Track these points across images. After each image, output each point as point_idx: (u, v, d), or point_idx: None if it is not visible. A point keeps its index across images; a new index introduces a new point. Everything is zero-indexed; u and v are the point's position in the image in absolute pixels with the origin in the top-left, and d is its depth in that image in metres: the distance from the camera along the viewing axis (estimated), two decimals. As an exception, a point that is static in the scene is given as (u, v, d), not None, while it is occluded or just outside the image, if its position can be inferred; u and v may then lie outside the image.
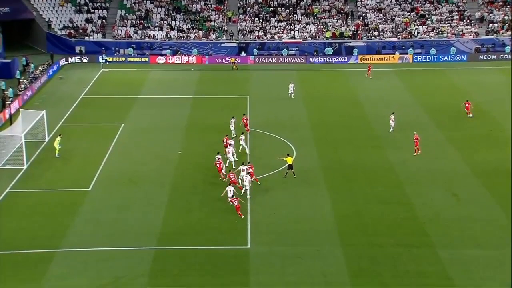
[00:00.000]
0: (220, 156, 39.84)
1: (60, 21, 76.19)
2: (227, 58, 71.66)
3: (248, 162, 39.45)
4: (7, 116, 50.15)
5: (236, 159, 40.86)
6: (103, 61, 69.57)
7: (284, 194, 37.79)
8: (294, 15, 78.53)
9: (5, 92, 56.55)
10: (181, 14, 78.02)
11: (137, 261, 30.56)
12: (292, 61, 71.78)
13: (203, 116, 52.74)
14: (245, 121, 47.69)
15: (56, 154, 43.07)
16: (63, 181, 39.42)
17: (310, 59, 71.90)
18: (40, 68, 64.09)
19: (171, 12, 78.17)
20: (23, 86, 58.11)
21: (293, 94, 56.67)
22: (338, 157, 43.42)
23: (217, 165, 39.05)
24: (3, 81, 59.11)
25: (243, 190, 37.00)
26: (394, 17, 77.80)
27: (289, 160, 39.18)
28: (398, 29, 75.83)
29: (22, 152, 41.53)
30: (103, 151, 44.11)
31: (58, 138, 43.65)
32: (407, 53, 72.38)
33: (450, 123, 49.69)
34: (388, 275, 29.47)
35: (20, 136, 41.97)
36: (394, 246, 31.84)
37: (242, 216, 34.37)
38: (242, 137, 44.15)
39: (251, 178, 37.31)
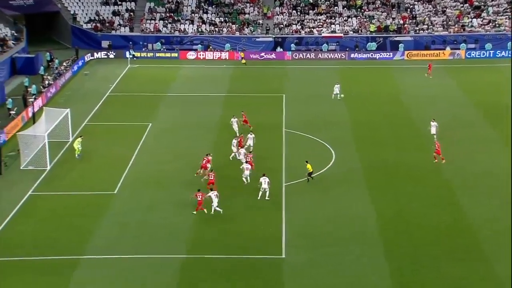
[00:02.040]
0: (210, 158, 40.06)
1: (86, 14, 77.44)
2: (262, 54, 71.88)
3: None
4: (30, 114, 51.21)
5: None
6: (131, 56, 70.48)
7: (322, 198, 37.81)
8: (335, 7, 78.29)
9: (28, 89, 57.70)
10: (213, 6, 78.53)
11: (165, 269, 30.86)
12: (332, 57, 71.58)
13: (236, 115, 52.97)
14: (244, 117, 47.61)
15: (76, 155, 43.79)
16: (88, 183, 40.08)
17: (352, 55, 71.58)
18: (64, 63, 65.25)
19: (202, 4, 78.75)
20: (46, 82, 59.20)
21: (338, 96, 56.00)
22: (380, 158, 43.23)
23: (203, 162, 39.34)
24: (27, 77, 60.33)
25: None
26: (445, 8, 76.73)
27: (309, 167, 39.17)
28: (449, 22, 74.79)
29: (45, 152, 42.29)
30: (130, 152, 44.68)
31: (79, 139, 44.36)
32: (459, 49, 71.39)
33: (507, 124, 48.87)
34: (435, 290, 29.22)
35: (43, 136, 42.73)
36: (442, 257, 31.52)
37: (205, 211, 35.11)
38: (250, 135, 44.17)
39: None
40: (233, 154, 42.81)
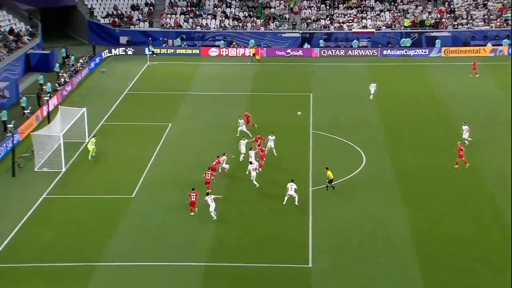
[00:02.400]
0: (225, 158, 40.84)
1: (104, 8, 78.13)
2: (288, 51, 71.87)
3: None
4: (45, 113, 51.79)
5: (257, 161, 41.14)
6: (150, 53, 70.92)
7: (351, 203, 37.70)
8: (367, 1, 77.96)
9: (43, 87, 58.38)
10: (237, 0, 78.70)
11: (185, 278, 30.96)
12: (363, 54, 71.30)
13: (260, 116, 52.96)
14: (247, 117, 47.36)
15: (89, 157, 44.09)
16: (105, 186, 40.38)
17: (384, 52, 71.23)
18: (81, 60, 65.85)
19: (225, -2, 79.03)
20: (62, 80, 59.75)
21: (372, 96, 55.61)
22: (414, 162, 42.96)
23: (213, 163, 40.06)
24: (41, 74, 60.99)
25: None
26: (486, 1, 75.85)
27: (330, 174, 38.84)
28: (491, 16, 73.96)
29: (61, 153, 42.70)
30: (149, 154, 44.94)
31: (93, 140, 44.76)
32: (501, 45, 70.56)
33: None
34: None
35: (59, 136, 43.15)
36: (488, 274, 30.85)
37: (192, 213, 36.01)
38: (244, 141, 43.84)
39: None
40: (242, 155, 42.80)
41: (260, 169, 40.94)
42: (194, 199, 36.36)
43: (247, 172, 40.38)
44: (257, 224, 35.70)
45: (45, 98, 53.28)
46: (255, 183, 39.51)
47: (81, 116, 47.01)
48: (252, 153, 41.66)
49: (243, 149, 43.11)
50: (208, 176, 38.74)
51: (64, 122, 45.34)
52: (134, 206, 37.94)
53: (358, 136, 47.67)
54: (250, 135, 46.13)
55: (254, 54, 69.87)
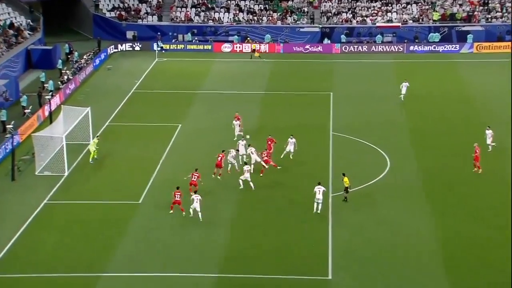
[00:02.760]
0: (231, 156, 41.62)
1: (109, 1, 78.47)
2: (306, 47, 71.86)
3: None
4: (47, 113, 52.08)
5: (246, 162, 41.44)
6: (159, 49, 71.16)
7: (374, 211, 37.58)
8: (391, -7, 77.81)
9: (45, 85, 58.70)
10: (251, -8, 78.83)
11: (195, 290, 31.08)
12: (388, 50, 71.15)
13: (276, 116, 53.02)
14: (237, 115, 47.42)
15: (90, 160, 44.36)
16: (110, 191, 40.52)
17: (411, 48, 71.03)
18: (85, 56, 66.16)
19: (239, -10, 79.13)
20: (65, 78, 60.08)
21: (403, 96, 55.12)
22: (443, 168, 42.76)
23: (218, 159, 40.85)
24: (43, 72, 61.29)
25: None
26: (522, -7, 75.44)
27: (346, 182, 38.54)
28: (528, 9, 73.48)
29: (63, 156, 42.90)
30: (157, 156, 45.07)
31: (95, 140, 44.97)
32: (539, 40, 70.11)
33: None
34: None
35: (61, 138, 43.36)
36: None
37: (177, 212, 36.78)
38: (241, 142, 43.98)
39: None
40: (242, 157, 43.00)
41: (266, 166, 41.58)
42: (178, 198, 37.02)
43: (240, 177, 40.22)
44: (272, 232, 35.67)
45: (46, 97, 53.56)
46: (240, 183, 39.81)
47: (85, 116, 47.22)
48: (252, 152, 41.52)
49: (242, 150, 43.32)
50: (194, 177, 39.09)
51: (67, 123, 45.54)
52: (141, 212, 38.03)
53: (382, 139, 47.53)
54: (246, 136, 46.06)
55: (253, 50, 69.85)
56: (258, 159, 42.00)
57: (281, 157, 43.94)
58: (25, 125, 49.20)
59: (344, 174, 38.94)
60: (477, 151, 42.13)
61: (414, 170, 42.71)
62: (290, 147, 44.22)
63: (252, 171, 40.90)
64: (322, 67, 66.79)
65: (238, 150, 42.98)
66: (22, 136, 47.36)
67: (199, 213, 36.66)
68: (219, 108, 55.03)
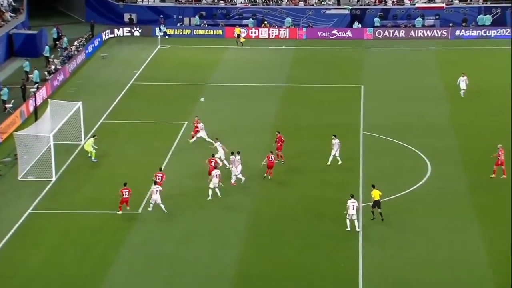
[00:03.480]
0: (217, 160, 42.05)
1: (104, -21, 78.72)
2: (333, 32, 71.70)
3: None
4: (31, 109, 52.23)
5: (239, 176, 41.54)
6: (161, 34, 71.27)
7: (412, 228, 37.36)
8: (433, -31, 77.52)
9: (29, 76, 58.94)
10: (269, -32, 78.74)
11: (203, 315, 31.17)
12: (430, 35, 70.95)
13: (297, 113, 52.99)
14: (196, 125, 47.20)
15: (93, 158, 44.59)
16: (105, 199, 40.46)
17: (457, 33, 70.73)
18: (76, 43, 66.35)
19: (255, -35, 79.09)
20: (53, 67, 60.30)
21: (462, 92, 54.66)
22: (495, 177, 42.45)
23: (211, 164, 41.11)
24: (27, 60, 61.50)
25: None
26: None
27: (376, 195, 37.89)
28: None
29: (50, 158, 42.90)
30: (159, 159, 44.97)
31: (92, 140, 44.97)
32: None
33: None
34: None
35: (48, 137, 43.42)
36: None
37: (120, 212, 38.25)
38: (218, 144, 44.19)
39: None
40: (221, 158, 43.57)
41: (283, 160, 42.61)
42: (126, 196, 38.17)
43: (209, 185, 40.29)
44: (294, 248, 35.53)
45: (31, 89, 53.74)
46: (210, 193, 39.82)
47: (76, 112, 47.26)
48: (237, 158, 41.75)
49: (221, 151, 43.57)
50: (158, 178, 39.59)
51: (55, 120, 45.61)
52: (140, 224, 38.04)
53: (422, 140, 47.34)
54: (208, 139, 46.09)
55: (238, 36, 69.77)
56: (227, 164, 42.65)
57: (328, 163, 43.82)
58: (6, 122, 49.36)
59: (373, 186, 38.25)
60: (501, 153, 41.76)
61: (460, 177, 42.50)
62: (336, 152, 43.87)
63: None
64: (351, 56, 66.65)
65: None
66: (3, 135, 47.56)
67: (162, 205, 37.94)
68: (232, 104, 55.03)
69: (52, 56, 63.76)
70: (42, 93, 54.98)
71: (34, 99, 51.84)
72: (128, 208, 38.74)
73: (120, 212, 38.75)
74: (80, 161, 45.19)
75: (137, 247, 35.90)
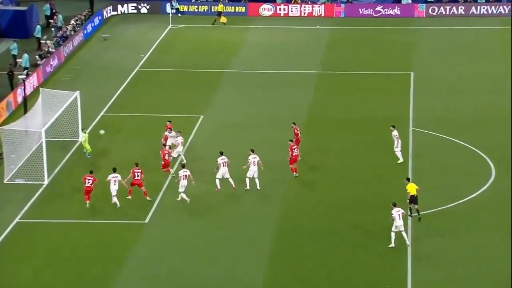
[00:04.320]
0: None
1: None
2: (377, 8, 71.45)
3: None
4: (20, 99, 52.46)
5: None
6: (173, 11, 71.35)
7: (471, 243, 37.14)
8: None
9: (18, 60, 59.17)
10: None
11: None
12: (495, 12, 70.67)
13: (333, 105, 53.04)
14: (168, 125, 46.74)
15: (87, 154, 45.06)
16: (106, 207, 40.54)
17: (528, 9, 70.25)
18: (72, 21, 66.50)
19: None
20: (46, 50, 60.60)
21: None
22: None
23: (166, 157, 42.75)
24: (15, 42, 61.68)
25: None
26: None
27: (412, 189, 38.17)
28: None
29: (42, 158, 43.05)
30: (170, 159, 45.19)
31: (85, 135, 45.18)
32: None
33: None
34: None
35: (39, 133, 43.47)
36: None
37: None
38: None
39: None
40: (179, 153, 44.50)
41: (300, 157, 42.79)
42: (90, 185, 39.73)
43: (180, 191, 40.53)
44: (327, 267, 35.35)
45: (20, 76, 53.91)
46: (183, 196, 40.39)
47: (73, 104, 47.38)
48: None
49: (180, 147, 44.46)
50: (137, 176, 40.60)
51: (47, 112, 45.74)
52: (148, 236, 38.10)
53: (484, 138, 47.18)
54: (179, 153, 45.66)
55: (220, 14, 69.87)
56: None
57: (398, 162, 43.98)
58: (-10, 115, 49.81)
59: (408, 180, 38.80)
60: None
61: (529, 182, 42.23)
62: (397, 146, 44.10)
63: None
64: (399, 37, 66.50)
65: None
66: (-14, 130, 47.82)
67: (115, 197, 39.87)
68: (255, 94, 55.12)
69: (45, 37, 63.95)
70: (32, 81, 55.25)
71: (23, 87, 51.95)
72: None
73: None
74: (77, 161, 45.29)
75: (141, 263, 35.87)
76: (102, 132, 47.03)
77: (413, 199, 38.06)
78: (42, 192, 42.25)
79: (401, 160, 44.12)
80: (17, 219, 39.61)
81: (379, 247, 36.59)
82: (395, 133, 44.27)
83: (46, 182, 43.01)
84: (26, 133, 44.42)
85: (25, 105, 50.69)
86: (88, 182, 39.83)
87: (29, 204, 41.01)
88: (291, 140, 43.43)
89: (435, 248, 36.69)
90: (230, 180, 41.61)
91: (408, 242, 36.41)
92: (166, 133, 45.68)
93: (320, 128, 48.83)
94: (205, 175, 42.82)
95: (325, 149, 45.76)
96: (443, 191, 40.21)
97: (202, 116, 51.10)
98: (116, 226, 39.01)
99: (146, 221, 39.34)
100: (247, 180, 41.66)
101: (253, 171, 41.62)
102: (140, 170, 40.89)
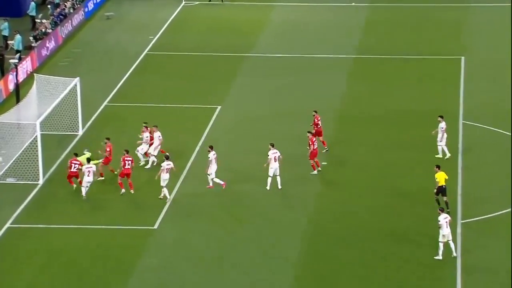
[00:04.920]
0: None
1: None
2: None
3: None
4: (11, 87, 52.62)
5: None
6: (186, -14, 71.46)
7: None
8: None
9: (9, 42, 59.35)
10: None
11: None
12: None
13: (371, 94, 53.07)
14: (145, 130, 46.28)
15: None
16: (109, 211, 40.77)
17: None
18: (71, -2, 66.96)
19: None
20: (42, 30, 60.76)
21: None
22: None
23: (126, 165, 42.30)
24: (5, 20, 61.66)
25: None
26: None
27: (441, 178, 38.49)
28: None
29: (37, 154, 43.19)
30: (183, 156, 45.25)
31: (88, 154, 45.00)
32: None
33: None
34: None
35: (34, 125, 43.59)
36: None
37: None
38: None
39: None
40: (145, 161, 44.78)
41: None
42: (75, 170, 41.40)
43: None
44: (365, 282, 35.44)
45: (11, 60, 54.12)
46: (165, 192, 40.96)
47: (72, 92, 47.53)
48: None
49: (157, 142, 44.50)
50: (127, 164, 41.54)
51: (42, 102, 45.85)
52: (156, 243, 38.16)
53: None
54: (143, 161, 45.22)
55: None
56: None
57: (445, 158, 43.99)
58: (-22, 105, 50.03)
59: (438, 167, 38.97)
60: None
61: None
62: (441, 140, 44.23)
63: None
64: (447, 15, 66.31)
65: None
66: (-27, 122, 48.02)
67: (84, 189, 40.97)
68: (280, 82, 55.10)
69: (40, 16, 64.14)
70: (26, 66, 55.40)
71: (15, 73, 52.09)
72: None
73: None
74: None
75: (150, 274, 35.87)
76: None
77: (442, 190, 38.38)
78: (37, 193, 42.38)
79: (440, 155, 44.09)
80: (8, 224, 39.72)
81: (423, 258, 36.54)
82: (442, 124, 44.23)
83: (41, 182, 43.15)
84: (19, 126, 44.60)
85: (17, 94, 50.77)
86: (75, 167, 40.80)
87: (21, 207, 41.14)
88: (310, 132, 43.47)
89: (487, 260, 36.64)
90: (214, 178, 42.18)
91: (455, 253, 36.35)
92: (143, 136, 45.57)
93: (354, 121, 48.78)
94: (221, 171, 42.86)
95: (359, 147, 45.75)
96: (496, 194, 40.05)
97: (219, 107, 51.20)
98: (122, 232, 39.12)
99: (155, 226, 39.41)
100: (269, 179, 41.71)
101: (274, 168, 41.73)
102: (130, 158, 41.59)
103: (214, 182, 41.95)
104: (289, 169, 42.53)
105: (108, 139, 43.51)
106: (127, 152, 41.90)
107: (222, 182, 41.89)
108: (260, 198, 41.38)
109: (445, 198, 38.34)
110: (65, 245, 38.31)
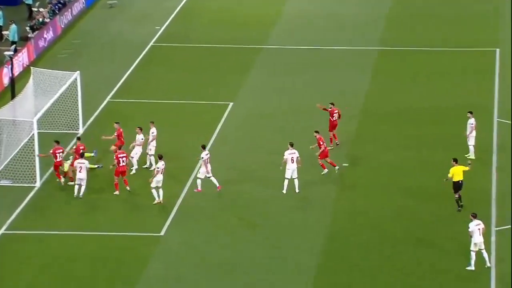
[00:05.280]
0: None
1: None
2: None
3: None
4: (6, 81, 52.78)
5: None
6: (195, -28, 71.56)
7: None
8: None
9: (3, 33, 59.44)
10: None
11: None
12: None
13: (397, 90, 53.14)
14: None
15: (98, 167, 45.12)
16: (112, 216, 40.87)
17: None
18: (70, -15, 67.06)
19: None
20: (39, 20, 60.85)
21: None
22: None
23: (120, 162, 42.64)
24: (0, 9, 61.70)
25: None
26: None
27: (458, 173, 38.80)
28: None
29: (33, 155, 43.19)
30: (189, 157, 45.13)
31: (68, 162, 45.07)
32: None
33: None
34: None
35: (30, 123, 43.69)
36: None
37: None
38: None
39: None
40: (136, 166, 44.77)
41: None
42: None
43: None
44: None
45: (6, 52, 54.22)
46: (154, 194, 41.35)
47: (72, 87, 47.67)
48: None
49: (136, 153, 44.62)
50: (122, 161, 41.90)
51: (40, 97, 45.99)
52: (162, 251, 38.24)
53: None
54: (135, 166, 45.20)
55: None
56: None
57: (468, 158, 43.81)
58: (-30, 100, 50.11)
59: (455, 161, 39.28)
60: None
61: None
62: (470, 139, 44.31)
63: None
64: (482, 5, 66.33)
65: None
66: (-35, 119, 48.14)
67: (77, 187, 41.11)
68: (297, 76, 55.30)
69: (37, 4, 64.24)
70: (22, 58, 55.57)
71: (10, 66, 52.20)
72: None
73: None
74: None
75: (157, 284, 35.98)
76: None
77: (459, 186, 38.81)
78: (34, 197, 42.51)
79: (471, 156, 44.12)
80: (2, 230, 39.84)
81: (452, 267, 36.57)
82: (471, 121, 44.24)
83: (38, 184, 43.28)
84: (14, 123, 44.70)
85: (13, 88, 50.92)
86: (60, 156, 41.57)
87: (17, 211, 41.26)
88: (317, 131, 43.42)
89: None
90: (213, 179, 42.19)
91: (489, 264, 36.27)
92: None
93: (378, 119, 48.82)
94: (233, 173, 42.94)
95: (382, 146, 45.94)
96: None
97: (231, 103, 51.35)
98: (126, 238, 39.23)
99: (162, 233, 39.50)
100: (286, 182, 41.77)
101: (291, 170, 41.76)
102: (124, 155, 41.86)
103: (201, 184, 42.19)
104: (305, 170, 42.49)
105: (117, 123, 44.16)
106: (120, 148, 42.51)
107: (218, 184, 42.03)
108: (274, 201, 41.41)
109: (457, 195, 38.79)
110: (64, 252, 38.42)
